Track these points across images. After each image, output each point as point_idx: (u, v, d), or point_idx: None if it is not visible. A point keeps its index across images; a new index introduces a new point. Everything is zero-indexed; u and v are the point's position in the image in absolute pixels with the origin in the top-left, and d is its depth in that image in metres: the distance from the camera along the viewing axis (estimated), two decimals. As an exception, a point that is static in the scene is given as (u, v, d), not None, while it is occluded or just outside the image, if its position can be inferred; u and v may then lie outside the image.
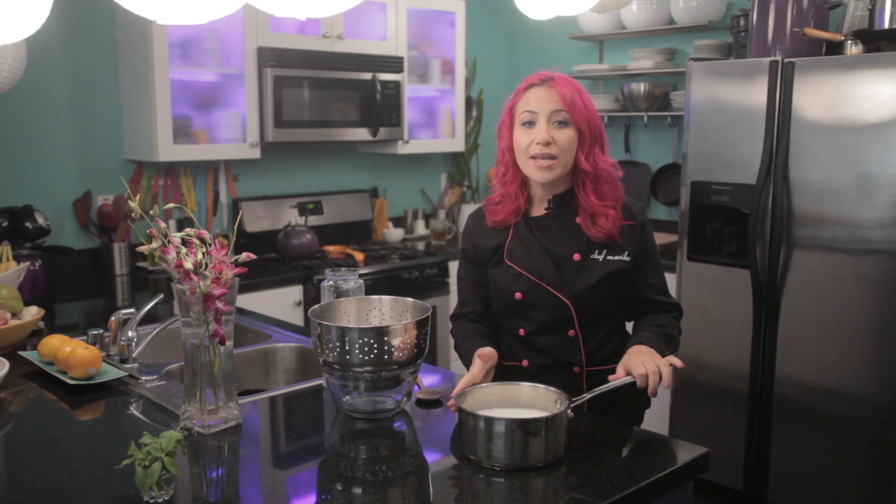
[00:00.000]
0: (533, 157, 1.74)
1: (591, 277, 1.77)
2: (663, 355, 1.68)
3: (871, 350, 2.85)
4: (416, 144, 4.17)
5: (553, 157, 1.73)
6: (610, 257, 1.78)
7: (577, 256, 1.78)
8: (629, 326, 1.91)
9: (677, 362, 1.64)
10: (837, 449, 2.95)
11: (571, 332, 1.79)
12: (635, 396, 1.84)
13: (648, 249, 1.83)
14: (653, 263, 1.84)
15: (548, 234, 1.81)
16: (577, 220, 1.80)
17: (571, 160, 1.76)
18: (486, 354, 1.73)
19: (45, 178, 3.33)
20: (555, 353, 1.81)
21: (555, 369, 1.82)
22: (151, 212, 1.56)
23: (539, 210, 1.84)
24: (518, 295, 1.80)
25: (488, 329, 1.90)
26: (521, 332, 1.84)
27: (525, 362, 1.85)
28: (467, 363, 1.81)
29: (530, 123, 1.75)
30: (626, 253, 1.79)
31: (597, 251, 1.79)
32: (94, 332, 2.14)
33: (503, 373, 1.88)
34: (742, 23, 3.53)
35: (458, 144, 4.39)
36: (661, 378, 1.60)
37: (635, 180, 4.30)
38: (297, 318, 3.36)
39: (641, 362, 1.61)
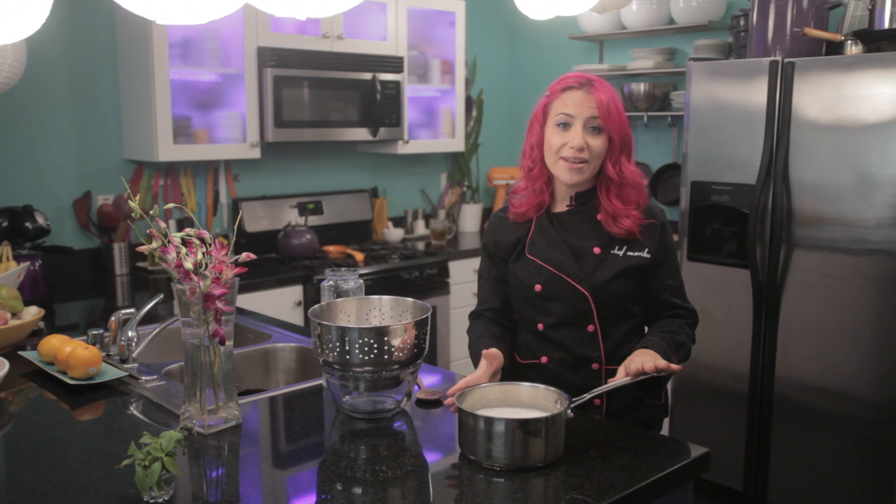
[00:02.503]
0: (564, 159, 1.75)
1: (610, 270, 1.78)
2: (668, 360, 1.67)
3: (871, 350, 2.85)
4: (416, 144, 4.17)
5: (584, 161, 1.74)
6: (630, 253, 1.79)
7: (597, 250, 1.79)
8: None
9: (675, 367, 1.64)
10: (837, 449, 2.95)
11: (591, 328, 1.79)
12: (652, 403, 1.85)
13: (668, 251, 1.84)
14: (671, 266, 1.85)
15: (569, 229, 1.83)
16: (599, 216, 1.81)
17: (600, 165, 1.78)
18: (491, 355, 1.71)
19: (45, 178, 3.33)
20: (574, 349, 1.81)
21: (574, 366, 1.82)
22: (151, 212, 1.56)
23: (561, 206, 1.85)
24: (538, 287, 1.81)
25: (503, 330, 1.90)
26: (540, 326, 1.83)
27: (544, 359, 1.84)
28: (476, 365, 1.80)
29: (565, 125, 1.75)
30: (647, 250, 1.79)
31: (617, 246, 1.79)
32: (94, 332, 2.14)
33: (521, 372, 1.88)
34: (742, 23, 3.53)
35: (458, 144, 4.39)
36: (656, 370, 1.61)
37: (635, 180, 4.29)
38: (297, 318, 3.36)
39: (641, 362, 1.62)
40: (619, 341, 1.82)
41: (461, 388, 1.60)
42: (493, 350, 1.72)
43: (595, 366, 1.81)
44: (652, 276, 1.82)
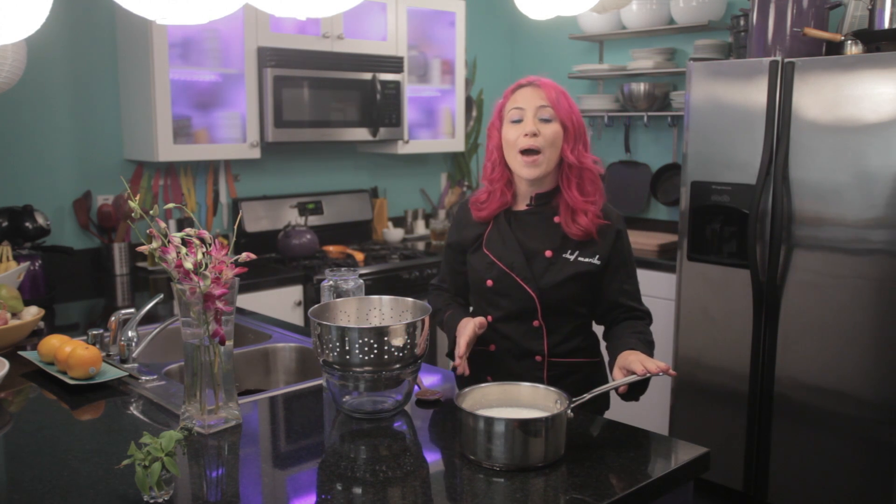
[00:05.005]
0: (521, 152, 1.83)
1: (559, 275, 1.86)
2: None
3: (871, 350, 2.85)
4: (416, 144, 4.17)
5: (538, 152, 1.82)
6: (581, 259, 1.87)
7: (548, 253, 1.88)
8: (598, 329, 2.00)
9: (671, 373, 1.67)
10: (837, 449, 2.95)
11: (536, 323, 1.89)
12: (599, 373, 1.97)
13: (624, 256, 1.92)
14: (628, 270, 1.93)
15: (525, 229, 1.91)
16: (556, 219, 1.89)
17: (556, 156, 1.85)
18: (483, 322, 1.85)
19: (45, 178, 3.33)
20: (519, 341, 1.91)
21: (519, 356, 1.92)
22: (151, 212, 1.56)
23: (521, 206, 1.94)
24: (489, 282, 1.91)
25: (466, 302, 2.05)
26: (490, 318, 1.93)
27: (492, 347, 1.94)
28: (450, 330, 1.93)
29: (518, 120, 1.85)
30: (598, 256, 1.87)
31: (569, 251, 1.87)
32: (94, 332, 2.14)
33: (472, 357, 1.94)
34: (742, 23, 3.53)
35: (458, 144, 4.39)
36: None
37: (635, 180, 4.30)
38: (297, 318, 3.36)
39: (639, 360, 1.67)
40: (563, 337, 1.91)
41: (467, 346, 1.77)
42: (482, 319, 1.87)
43: (538, 358, 1.91)
44: (608, 280, 1.90)
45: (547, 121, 1.83)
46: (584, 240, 1.86)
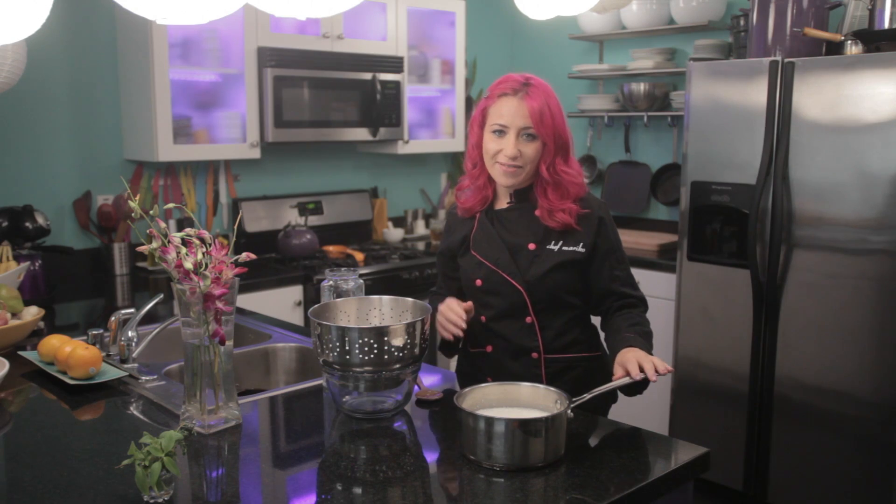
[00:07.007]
0: (499, 163, 1.85)
1: (543, 266, 1.87)
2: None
3: (870, 350, 2.85)
4: (416, 144, 4.17)
5: (519, 167, 1.84)
6: (565, 248, 1.87)
7: (532, 246, 1.89)
8: (595, 321, 2.00)
9: (669, 369, 1.67)
10: (837, 449, 2.95)
11: (528, 319, 1.89)
12: (591, 365, 1.95)
13: (611, 242, 1.91)
14: (617, 256, 1.92)
15: (507, 226, 1.93)
16: (537, 212, 1.90)
17: (535, 167, 1.87)
18: (470, 305, 1.87)
19: (45, 178, 3.33)
20: (514, 339, 1.91)
21: (515, 355, 1.92)
22: (151, 212, 1.56)
23: (502, 203, 1.96)
24: (478, 282, 1.92)
25: None
26: (483, 318, 1.94)
27: (489, 348, 1.95)
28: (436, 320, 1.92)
29: (500, 132, 1.85)
30: (581, 244, 1.87)
31: (553, 242, 1.88)
32: (94, 332, 2.14)
33: (470, 359, 1.98)
34: (742, 23, 3.53)
35: (457, 144, 4.39)
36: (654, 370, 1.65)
37: (635, 180, 4.29)
38: (297, 318, 3.36)
39: (637, 359, 1.67)
40: (558, 332, 1.91)
41: (460, 315, 1.80)
42: (470, 303, 1.89)
43: (535, 355, 1.90)
44: (598, 268, 1.90)
45: (530, 137, 1.83)
46: (565, 230, 1.87)
